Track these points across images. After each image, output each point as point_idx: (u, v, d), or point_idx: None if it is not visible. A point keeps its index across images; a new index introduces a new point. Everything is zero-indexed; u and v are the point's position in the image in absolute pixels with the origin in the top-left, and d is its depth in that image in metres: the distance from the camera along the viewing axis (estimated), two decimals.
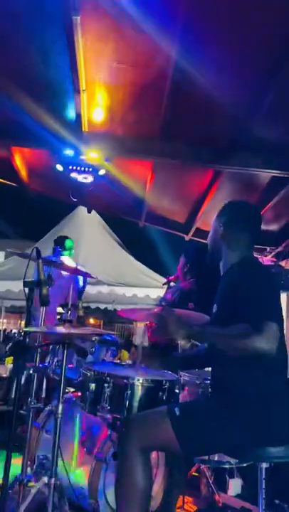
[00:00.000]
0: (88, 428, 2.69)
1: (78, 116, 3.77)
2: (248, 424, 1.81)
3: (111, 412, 2.03)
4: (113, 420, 2.06)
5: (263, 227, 5.83)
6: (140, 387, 2.04)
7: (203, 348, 2.27)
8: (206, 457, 2.45)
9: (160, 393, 2.06)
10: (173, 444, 1.80)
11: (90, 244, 9.48)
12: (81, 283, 4.51)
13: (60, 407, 1.93)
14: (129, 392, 2.01)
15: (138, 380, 2.04)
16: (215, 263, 2.20)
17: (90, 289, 9.21)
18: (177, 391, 2.19)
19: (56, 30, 2.99)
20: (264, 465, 1.89)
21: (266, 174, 4.34)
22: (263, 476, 1.88)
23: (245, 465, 2.26)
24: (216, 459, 2.47)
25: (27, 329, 1.99)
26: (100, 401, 2.05)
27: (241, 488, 2.92)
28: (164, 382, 2.07)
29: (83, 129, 3.88)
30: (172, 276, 4.00)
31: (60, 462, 2.40)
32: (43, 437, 2.81)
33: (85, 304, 9.31)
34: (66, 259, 4.42)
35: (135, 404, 2.03)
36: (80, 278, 4.37)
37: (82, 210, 9.47)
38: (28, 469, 2.52)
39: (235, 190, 4.76)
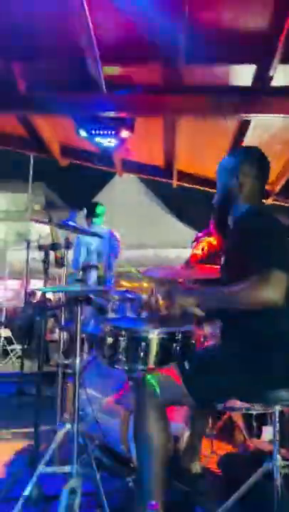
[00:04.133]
0: (121, 381, 2.83)
1: (96, 77, 3.71)
2: (257, 369, 1.83)
3: (127, 364, 2.12)
4: (130, 371, 2.15)
5: None
6: (154, 339, 2.10)
7: None
8: (234, 405, 2.53)
9: (174, 344, 2.12)
10: (185, 398, 1.85)
11: (130, 210, 9.55)
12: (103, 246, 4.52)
13: (78, 360, 2.04)
14: (143, 344, 2.09)
15: (151, 332, 2.11)
16: (224, 214, 2.17)
17: (134, 253, 9.37)
18: (193, 342, 2.23)
19: None
20: (277, 408, 1.92)
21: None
22: (277, 419, 1.92)
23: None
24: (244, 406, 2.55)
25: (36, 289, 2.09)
26: (116, 354, 2.14)
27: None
28: (176, 333, 2.12)
29: (102, 91, 3.83)
30: (201, 233, 3.99)
31: (93, 413, 2.57)
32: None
33: (129, 268, 9.51)
34: (97, 226, 4.51)
35: (150, 355, 2.11)
36: (101, 241, 4.42)
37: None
38: None
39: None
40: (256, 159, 2.10)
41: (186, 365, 1.88)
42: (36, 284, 8.00)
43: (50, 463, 2.24)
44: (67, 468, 1.98)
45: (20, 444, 2.98)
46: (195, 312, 1.89)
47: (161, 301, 2.51)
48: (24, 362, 4.74)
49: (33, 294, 7.66)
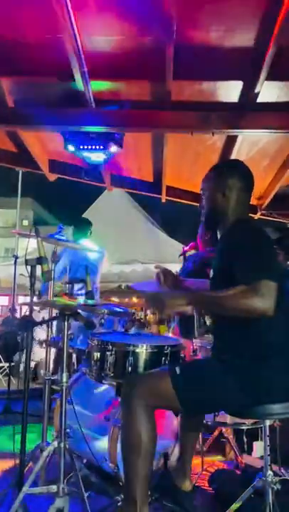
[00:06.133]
0: (110, 397, 2.78)
1: (85, 92, 3.72)
2: (246, 382, 1.81)
3: (115, 378, 2.09)
4: (118, 386, 2.12)
5: None
6: (142, 354, 2.08)
7: None
8: (225, 420, 2.51)
9: (163, 358, 2.09)
10: (174, 402, 1.83)
11: (120, 224, 9.55)
12: (91, 259, 4.48)
13: (65, 375, 2.00)
14: (131, 358, 2.06)
15: (139, 346, 2.08)
16: (213, 228, 2.18)
17: (125, 268, 9.34)
18: (182, 355, 2.21)
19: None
20: (267, 422, 1.90)
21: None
22: (267, 433, 1.89)
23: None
24: (235, 421, 2.51)
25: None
26: (104, 369, 2.11)
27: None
28: (165, 347, 2.10)
29: (90, 106, 3.85)
30: (187, 247, 3.99)
31: (80, 430, 2.51)
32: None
33: (119, 284, 9.48)
34: (87, 242, 4.50)
35: (138, 370, 2.08)
36: (90, 255, 4.41)
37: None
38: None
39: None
40: (241, 172, 2.12)
41: (177, 370, 1.86)
42: (25, 299, 7.89)
43: (37, 482, 2.18)
44: (53, 488, 1.93)
45: (6, 463, 2.90)
46: (187, 311, 1.86)
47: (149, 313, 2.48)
48: (11, 379, 4.66)
49: (14, 309, 7.51)
